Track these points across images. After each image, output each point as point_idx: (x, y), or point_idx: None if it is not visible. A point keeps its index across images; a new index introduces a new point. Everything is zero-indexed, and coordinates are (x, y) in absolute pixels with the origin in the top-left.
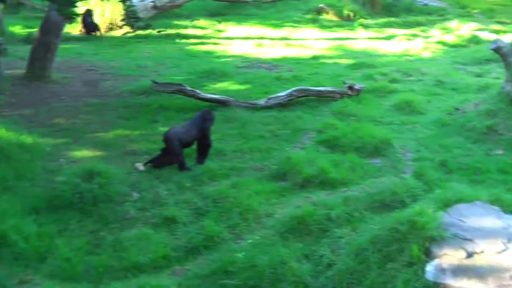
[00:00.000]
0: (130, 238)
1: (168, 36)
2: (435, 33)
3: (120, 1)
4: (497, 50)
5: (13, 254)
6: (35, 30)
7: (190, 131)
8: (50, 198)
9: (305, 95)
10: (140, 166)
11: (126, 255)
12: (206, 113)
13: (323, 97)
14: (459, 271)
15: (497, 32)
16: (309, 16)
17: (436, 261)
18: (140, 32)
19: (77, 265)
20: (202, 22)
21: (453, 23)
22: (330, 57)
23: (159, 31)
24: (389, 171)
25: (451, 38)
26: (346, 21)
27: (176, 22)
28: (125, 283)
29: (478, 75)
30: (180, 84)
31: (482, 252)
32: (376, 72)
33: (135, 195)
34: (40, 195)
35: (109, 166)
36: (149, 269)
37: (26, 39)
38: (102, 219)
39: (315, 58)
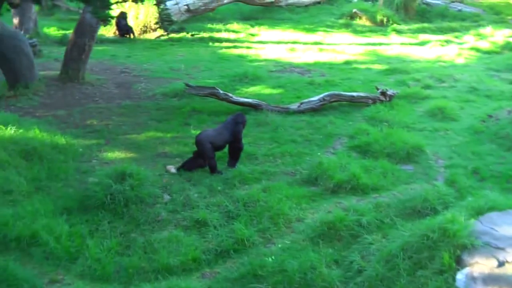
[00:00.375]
0: (160, 240)
1: (201, 39)
2: (469, 39)
3: (155, 4)
4: None
5: (44, 254)
6: (69, 31)
7: (222, 134)
8: (82, 199)
9: (338, 100)
10: (172, 169)
11: (157, 257)
12: (239, 117)
13: (355, 103)
14: (490, 280)
15: None
16: (342, 21)
17: (467, 270)
18: (173, 35)
19: (107, 266)
20: (235, 26)
21: (487, 30)
22: (363, 62)
23: (192, 35)
24: (420, 178)
25: (485, 45)
26: (379, 26)
27: (209, 25)
28: (155, 285)
29: None
30: (213, 88)
31: None
32: (409, 78)
33: (166, 197)
34: (72, 196)
35: (141, 168)
36: (179, 271)
37: (61, 41)
38: (133, 221)
39: (347, 63)
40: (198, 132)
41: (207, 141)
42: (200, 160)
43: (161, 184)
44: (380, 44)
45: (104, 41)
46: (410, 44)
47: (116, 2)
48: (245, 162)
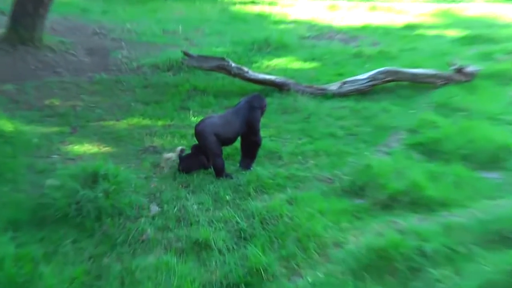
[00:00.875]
0: (145, 268)
1: None
2: None
3: None
4: None
5: None
6: None
7: (232, 123)
8: (36, 209)
9: (395, 79)
10: (171, 156)
11: None
12: (256, 99)
13: (419, 83)
14: None
15: None
16: None
17: None
18: None
19: None
20: None
21: None
22: (431, 27)
23: None
24: (510, 191)
25: None
26: None
27: None
28: None
29: None
30: (221, 59)
31: None
32: (497, 49)
33: (155, 208)
34: (23, 204)
35: (120, 168)
36: None
37: None
38: (107, 240)
39: (409, 27)
40: (199, 119)
41: (211, 132)
42: (202, 158)
43: (148, 191)
44: (456, 1)
45: None
46: (499, 0)
47: None
48: (264, 162)
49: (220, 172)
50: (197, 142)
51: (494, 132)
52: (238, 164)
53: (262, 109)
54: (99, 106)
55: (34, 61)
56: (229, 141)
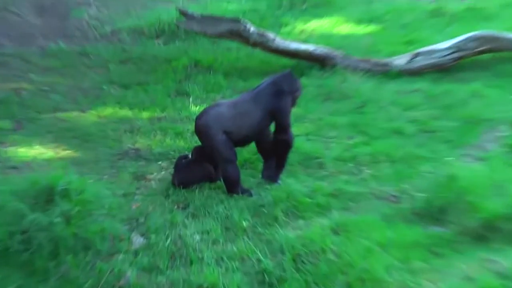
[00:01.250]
0: None
1: None
2: None
3: None
4: None
5: None
6: None
7: (249, 114)
8: None
9: (491, 49)
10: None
11: None
12: (285, 80)
13: None
14: None
15: None
16: None
17: None
18: None
19: None
20: None
21: None
22: None
23: None
24: None
25: None
26: None
27: None
28: None
29: None
30: (235, 20)
31: None
32: None
33: (138, 240)
34: None
35: (87, 180)
36: None
37: None
38: (67, 285)
39: None
40: (201, 108)
41: (219, 128)
42: (206, 166)
43: (128, 214)
44: None
45: None
46: None
47: None
48: (297, 172)
49: (233, 187)
50: (199, 142)
51: None
52: (260, 175)
53: (294, 94)
54: (55, 90)
55: None
56: (245, 141)
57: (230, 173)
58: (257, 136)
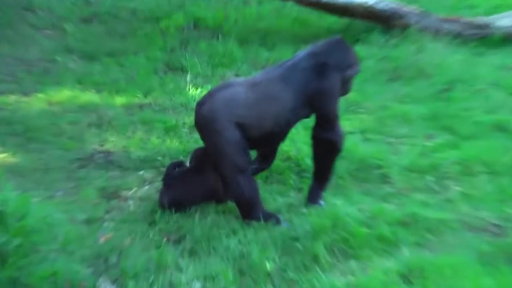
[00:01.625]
0: None
1: None
2: None
3: None
4: None
5: None
6: None
7: (274, 100)
8: None
9: None
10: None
11: None
12: (332, 51)
13: None
14: None
15: None
16: None
17: None
18: None
19: None
20: None
21: None
22: None
23: None
24: None
25: None
26: None
27: None
28: None
29: None
30: None
31: None
32: None
33: None
34: None
35: (32, 198)
36: None
37: None
38: None
39: None
40: (205, 92)
41: (228, 119)
42: (211, 178)
43: (94, 250)
44: None
45: None
46: None
47: None
48: (349, 187)
49: (251, 210)
50: (201, 142)
51: None
52: (294, 193)
53: (345, 71)
54: None
55: None
56: (267, 140)
57: (244, 190)
58: (285, 133)
